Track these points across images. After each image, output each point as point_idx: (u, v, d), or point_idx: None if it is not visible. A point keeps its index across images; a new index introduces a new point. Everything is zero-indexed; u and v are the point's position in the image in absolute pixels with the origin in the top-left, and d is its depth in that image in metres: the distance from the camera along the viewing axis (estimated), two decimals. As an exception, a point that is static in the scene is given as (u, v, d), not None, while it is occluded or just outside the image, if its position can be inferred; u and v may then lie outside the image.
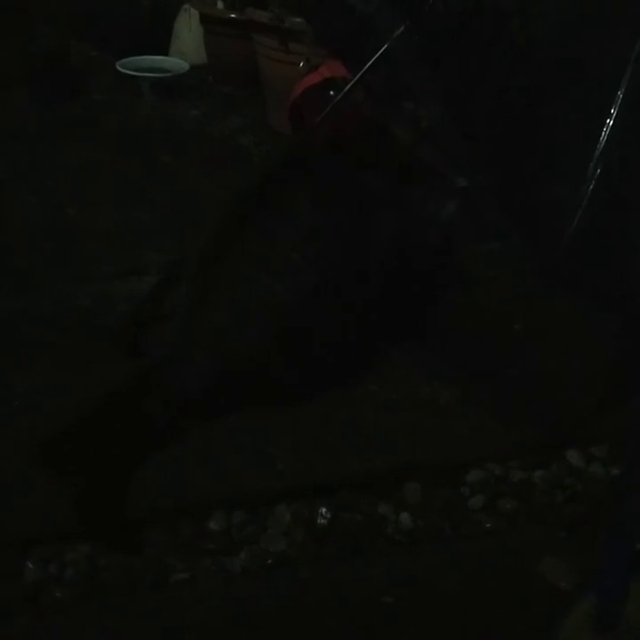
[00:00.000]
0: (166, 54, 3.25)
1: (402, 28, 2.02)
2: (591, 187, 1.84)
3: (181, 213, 2.21)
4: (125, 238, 2.12)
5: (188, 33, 3.24)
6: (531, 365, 1.78)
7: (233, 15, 2.94)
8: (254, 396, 1.57)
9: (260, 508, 1.47)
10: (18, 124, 2.69)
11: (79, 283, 1.93)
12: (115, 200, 2.30)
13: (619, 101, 1.84)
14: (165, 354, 1.59)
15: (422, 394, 1.71)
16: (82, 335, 1.74)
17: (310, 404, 1.63)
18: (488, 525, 1.50)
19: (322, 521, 1.47)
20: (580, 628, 1.24)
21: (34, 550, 1.36)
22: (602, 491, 1.57)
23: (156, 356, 1.61)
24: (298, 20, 2.60)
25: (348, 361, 1.67)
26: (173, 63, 3.15)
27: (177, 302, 1.67)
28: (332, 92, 2.24)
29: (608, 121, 1.83)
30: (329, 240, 1.63)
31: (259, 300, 1.58)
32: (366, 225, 1.71)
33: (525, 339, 1.86)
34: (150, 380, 1.53)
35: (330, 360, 1.62)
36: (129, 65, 3.03)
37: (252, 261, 1.61)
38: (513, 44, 2.09)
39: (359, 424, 1.63)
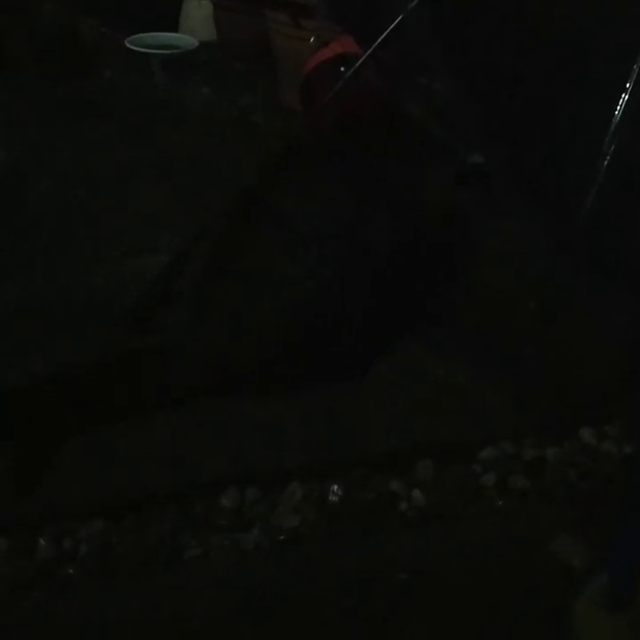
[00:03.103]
0: (176, 31, 3.22)
1: (415, 2, 2.00)
2: (606, 163, 1.82)
3: (193, 192, 2.20)
4: (137, 218, 2.11)
5: (198, 9, 3.21)
6: (545, 345, 1.76)
7: (243, -10, 2.90)
8: (268, 376, 1.57)
9: (273, 485, 1.48)
10: (29, 106, 2.68)
11: (91, 262, 1.93)
12: (126, 180, 2.29)
13: (634, 77, 1.81)
14: (176, 334, 1.59)
15: (436, 374, 1.70)
16: (94, 314, 1.74)
17: (324, 384, 1.63)
18: (500, 503, 1.50)
19: (334, 498, 1.47)
20: (593, 607, 1.24)
21: (47, 527, 1.37)
22: (614, 468, 1.57)
23: (167, 335, 1.61)
24: (309, -6, 2.57)
25: (362, 343, 1.66)
26: (183, 40, 3.12)
27: (189, 282, 1.67)
28: (342, 68, 2.22)
29: (624, 96, 1.80)
30: (340, 226, 1.63)
31: (270, 285, 1.58)
32: (377, 210, 1.70)
33: (540, 318, 1.84)
34: (161, 359, 1.53)
35: (345, 341, 1.62)
36: (138, 42, 3.00)
37: (260, 249, 1.61)
38: (529, 20, 2.06)
39: (373, 403, 1.63)
